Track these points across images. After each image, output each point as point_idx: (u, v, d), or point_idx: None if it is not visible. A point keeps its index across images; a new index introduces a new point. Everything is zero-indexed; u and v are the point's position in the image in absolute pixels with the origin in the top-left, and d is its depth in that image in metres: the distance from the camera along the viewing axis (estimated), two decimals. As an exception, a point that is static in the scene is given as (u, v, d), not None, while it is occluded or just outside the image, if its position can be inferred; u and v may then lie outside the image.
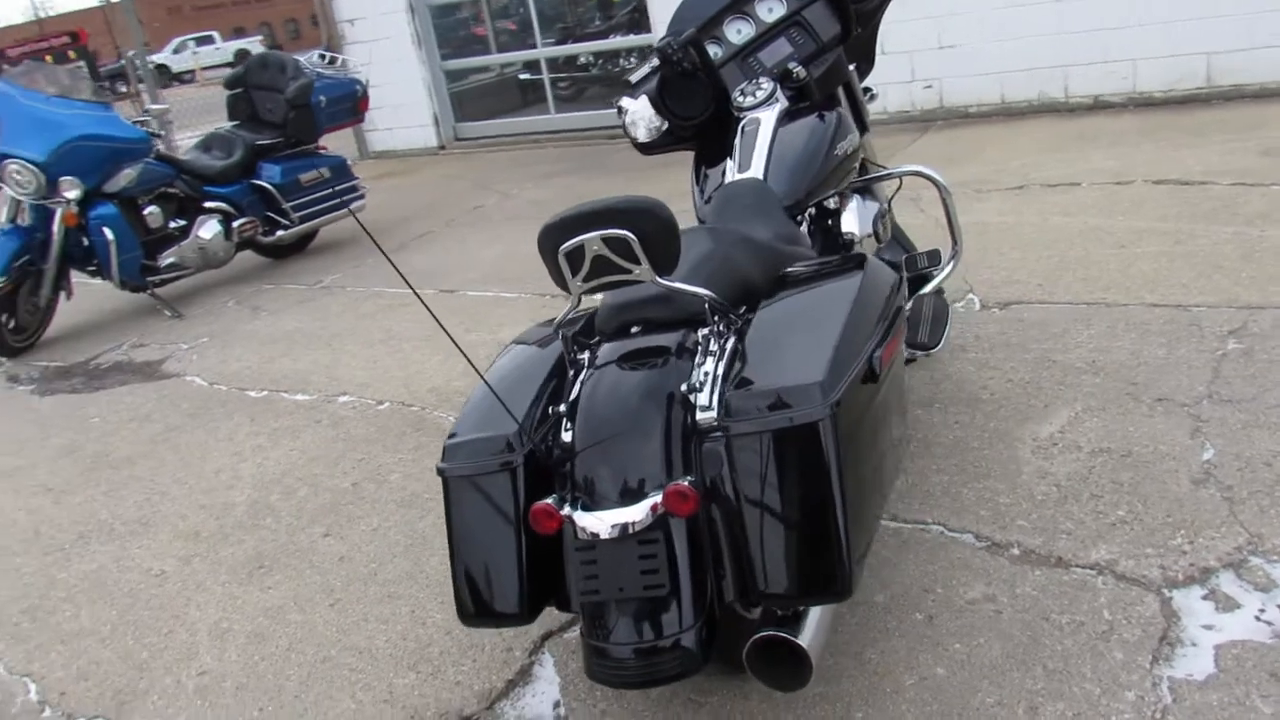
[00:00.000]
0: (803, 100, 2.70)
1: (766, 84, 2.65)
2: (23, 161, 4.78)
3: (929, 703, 1.82)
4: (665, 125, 2.73)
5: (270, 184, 5.77)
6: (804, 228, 2.49)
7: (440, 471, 1.76)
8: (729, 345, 1.73)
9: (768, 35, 2.77)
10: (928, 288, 2.89)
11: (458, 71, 9.61)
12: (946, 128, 6.68)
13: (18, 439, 3.91)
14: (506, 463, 1.71)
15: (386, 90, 9.66)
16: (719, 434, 1.59)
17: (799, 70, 2.68)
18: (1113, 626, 1.93)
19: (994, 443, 2.65)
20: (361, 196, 6.33)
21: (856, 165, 2.76)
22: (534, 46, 9.19)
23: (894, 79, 6.87)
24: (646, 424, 1.65)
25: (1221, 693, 1.73)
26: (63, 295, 5.25)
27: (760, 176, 2.46)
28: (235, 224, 5.66)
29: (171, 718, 2.12)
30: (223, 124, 6.08)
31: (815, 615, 1.63)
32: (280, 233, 5.93)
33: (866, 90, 3.03)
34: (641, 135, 2.73)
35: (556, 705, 1.98)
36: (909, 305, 2.78)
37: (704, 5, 2.79)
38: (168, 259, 5.42)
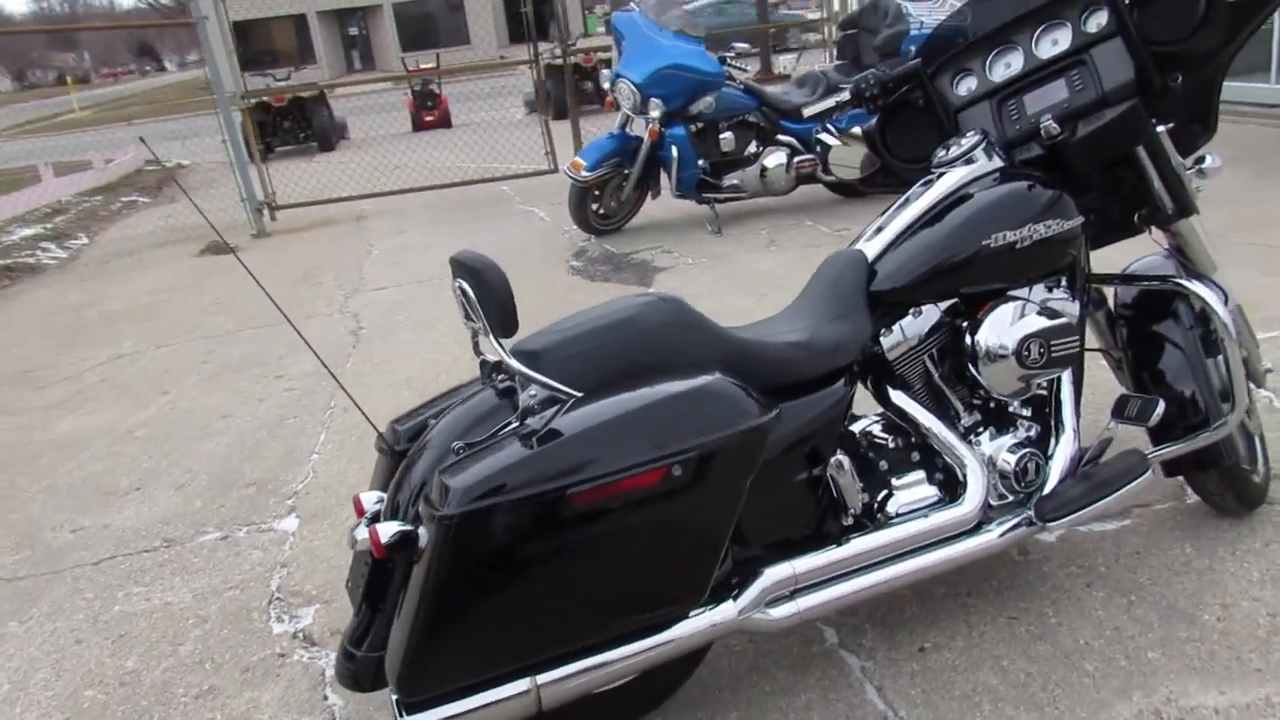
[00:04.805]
0: (1053, 166, 2.13)
1: (970, 139, 2.15)
2: (628, 81, 5.80)
3: None
4: (873, 166, 2.39)
5: (835, 127, 5.99)
6: (908, 321, 2.05)
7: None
8: (526, 420, 1.71)
9: (1043, 74, 2.19)
10: (1153, 453, 2.14)
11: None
12: None
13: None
14: (396, 451, 1.98)
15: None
16: None
17: (1049, 126, 2.10)
18: None
19: (1112, 680, 1.94)
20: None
21: (1057, 258, 2.09)
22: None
23: None
24: (426, 462, 1.78)
25: None
26: (649, 195, 6.30)
27: (877, 250, 2.08)
28: (796, 159, 6.05)
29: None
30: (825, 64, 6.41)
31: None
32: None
33: (1199, 161, 2.18)
34: (843, 174, 2.44)
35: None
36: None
37: (976, 24, 2.31)
38: (730, 180, 6.09)
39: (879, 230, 2.14)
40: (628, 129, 6.08)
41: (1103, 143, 2.11)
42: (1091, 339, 2.54)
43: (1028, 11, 2.21)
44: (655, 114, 5.78)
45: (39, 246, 8.61)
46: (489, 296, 1.69)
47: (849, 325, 1.99)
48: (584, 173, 5.93)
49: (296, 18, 32.48)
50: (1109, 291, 2.45)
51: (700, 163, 6.00)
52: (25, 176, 11.19)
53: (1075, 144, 2.11)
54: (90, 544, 3.05)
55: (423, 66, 14.96)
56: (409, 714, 1.60)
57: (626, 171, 6.06)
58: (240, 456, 3.54)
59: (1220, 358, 2.25)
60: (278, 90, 12.99)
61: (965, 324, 2.06)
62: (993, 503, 2.07)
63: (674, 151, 5.85)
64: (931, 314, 2.07)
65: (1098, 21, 2.12)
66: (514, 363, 1.71)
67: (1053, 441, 2.11)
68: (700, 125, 5.97)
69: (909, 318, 2.06)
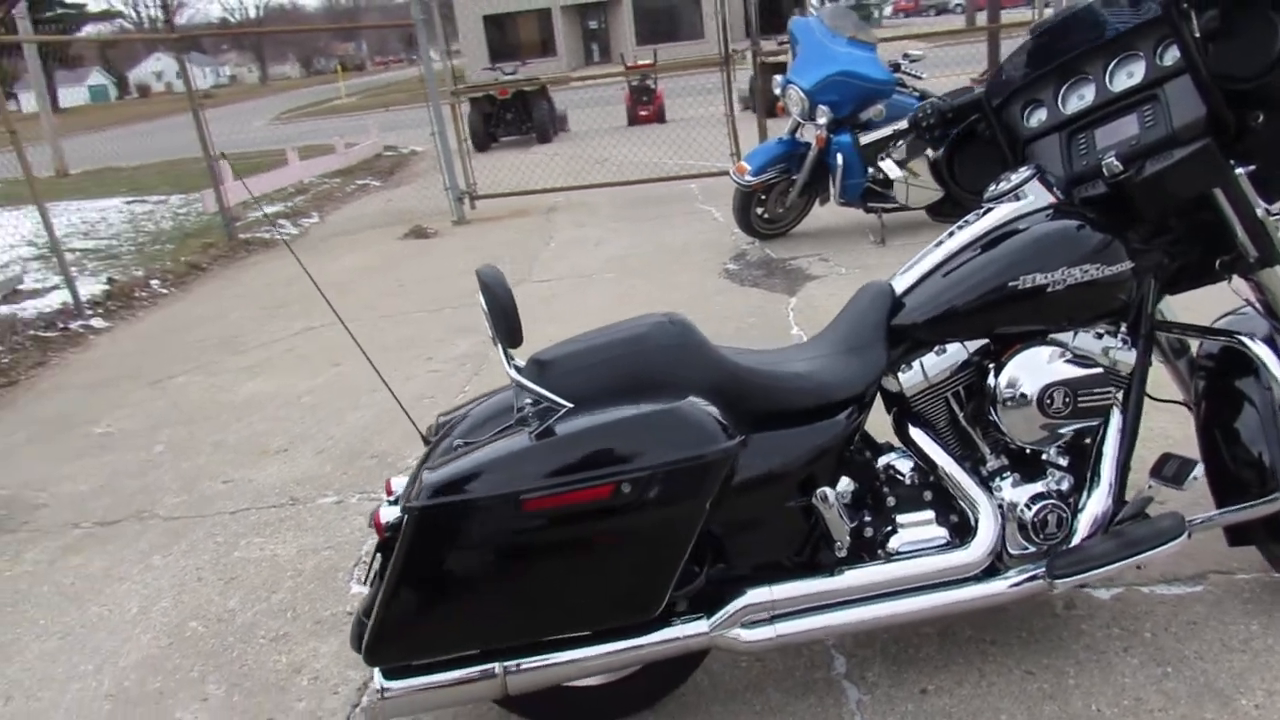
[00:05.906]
0: (1121, 206, 2.03)
1: (1022, 173, 2.07)
2: (797, 87, 5.79)
3: None
4: (939, 195, 2.35)
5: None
6: (930, 359, 2.01)
7: None
8: (526, 425, 1.84)
9: (1115, 108, 2.08)
10: (1194, 519, 2.01)
11: None
12: None
13: (667, 299, 5.18)
14: (429, 442, 2.17)
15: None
16: None
17: (1111, 163, 2.00)
18: None
19: (1110, 748, 1.84)
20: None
21: (1098, 303, 1.97)
22: None
23: None
24: (437, 456, 1.95)
25: None
26: (818, 202, 6.25)
27: (907, 284, 2.06)
28: (971, 171, 5.81)
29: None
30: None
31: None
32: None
33: (1287, 206, 1.99)
34: (920, 201, 2.40)
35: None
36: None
37: (1046, 53, 2.21)
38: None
39: (912, 265, 2.11)
40: (797, 135, 6.06)
41: (1169, 183, 1.97)
42: (1174, 390, 2.38)
43: (1102, 43, 2.09)
44: (823, 121, 5.74)
45: (276, 223, 9.62)
46: (497, 309, 1.84)
47: (860, 359, 1.98)
48: (748, 177, 5.98)
49: (541, 11, 34.06)
50: (1195, 342, 2.28)
51: (869, 171, 5.89)
52: (277, 159, 12.49)
53: (1140, 183, 1.99)
54: (234, 495, 3.48)
55: (640, 63, 15.37)
56: (387, 679, 1.79)
57: (793, 177, 6.05)
58: (374, 429, 3.90)
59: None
60: (502, 84, 13.78)
61: (992, 365, 2.00)
62: (1012, 551, 2.01)
63: (839, 160, 5.79)
64: (957, 353, 2.02)
65: (1172, 55, 1.98)
66: (511, 371, 1.84)
67: (1084, 495, 2.01)
68: (863, 134, 5.87)
69: (931, 355, 2.02)
